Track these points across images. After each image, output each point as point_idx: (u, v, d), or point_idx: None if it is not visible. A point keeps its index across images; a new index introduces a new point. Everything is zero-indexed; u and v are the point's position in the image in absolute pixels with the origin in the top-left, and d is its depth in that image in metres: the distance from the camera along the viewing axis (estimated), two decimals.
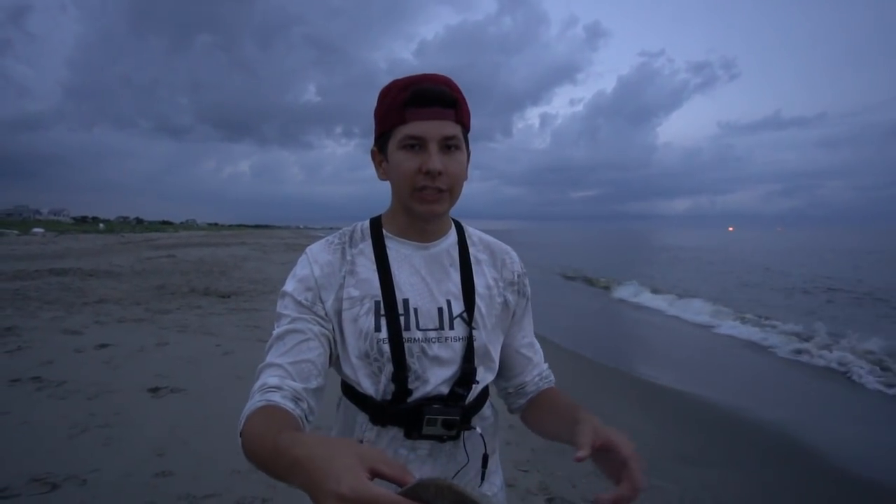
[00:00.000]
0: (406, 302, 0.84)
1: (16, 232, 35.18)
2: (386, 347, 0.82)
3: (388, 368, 0.82)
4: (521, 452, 3.15)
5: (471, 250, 0.92)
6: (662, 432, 3.89)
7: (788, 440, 3.92)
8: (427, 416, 0.81)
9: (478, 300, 0.88)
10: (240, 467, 2.70)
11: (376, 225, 0.91)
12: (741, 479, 3.19)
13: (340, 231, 0.92)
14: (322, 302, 0.84)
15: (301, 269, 0.86)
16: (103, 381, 3.98)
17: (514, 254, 0.98)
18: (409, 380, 0.82)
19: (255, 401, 0.72)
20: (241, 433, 0.68)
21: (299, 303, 0.83)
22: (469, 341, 0.85)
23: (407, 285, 0.85)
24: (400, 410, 0.82)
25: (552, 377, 0.99)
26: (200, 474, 2.64)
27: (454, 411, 0.82)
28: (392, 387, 0.82)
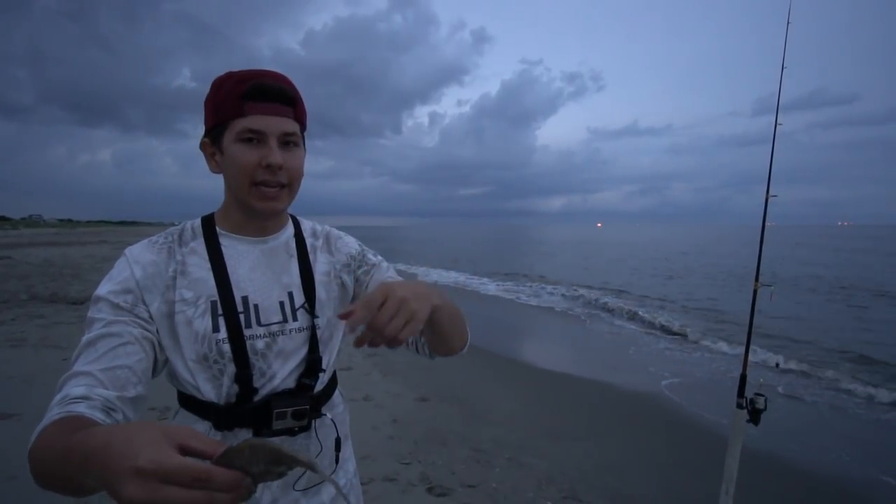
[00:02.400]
0: (245, 299, 0.82)
1: None
2: (226, 347, 0.78)
3: (231, 369, 0.78)
4: (403, 445, 3.18)
5: (307, 241, 0.92)
6: (532, 411, 4.18)
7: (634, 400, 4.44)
8: (276, 411, 0.79)
9: (318, 287, 0.88)
10: None
11: (209, 222, 0.86)
12: (602, 446, 3.54)
13: (167, 231, 0.86)
14: (145, 305, 0.77)
15: (119, 271, 0.78)
16: None
17: (348, 238, 0.99)
18: (254, 378, 0.79)
19: (52, 414, 0.62)
20: (29, 451, 0.58)
21: (116, 305, 0.75)
22: (313, 331, 0.85)
23: (246, 281, 0.83)
24: (246, 410, 0.79)
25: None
26: None
27: (303, 401, 0.81)
28: (236, 388, 0.78)
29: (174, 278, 0.80)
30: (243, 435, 0.80)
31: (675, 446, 3.62)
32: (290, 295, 0.85)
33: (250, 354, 0.79)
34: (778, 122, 1.97)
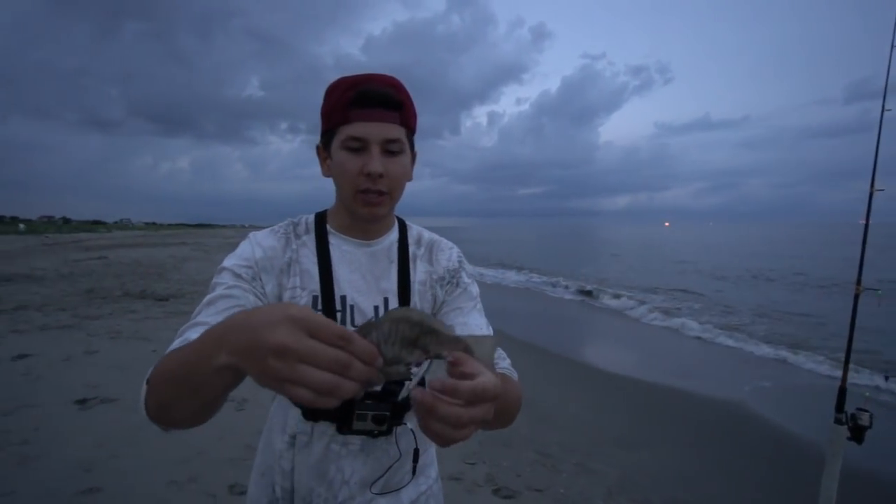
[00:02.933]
0: (344, 299, 0.84)
1: None
2: None
3: None
4: (468, 445, 3.18)
5: (410, 248, 0.93)
6: (601, 416, 4.05)
7: (714, 411, 4.19)
8: (357, 412, 0.80)
9: (413, 297, 0.88)
10: (177, 478, 2.58)
11: (321, 220, 0.90)
12: (675, 456, 3.37)
13: (286, 221, 0.91)
14: (261, 282, 0.82)
15: (243, 250, 0.84)
16: (21, 394, 3.68)
17: (453, 250, 0.96)
18: None
19: (171, 347, 0.66)
20: (148, 378, 0.62)
21: (238, 275, 0.80)
22: None
23: (346, 282, 0.85)
24: (323, 410, 0.81)
25: (507, 365, 0.87)
26: (133, 488, 2.50)
27: (384, 406, 0.81)
28: None
29: (288, 265, 0.84)
30: (326, 428, 0.83)
31: (760, 460, 3.38)
32: (386, 301, 0.86)
33: None
34: (886, 107, 1.78)
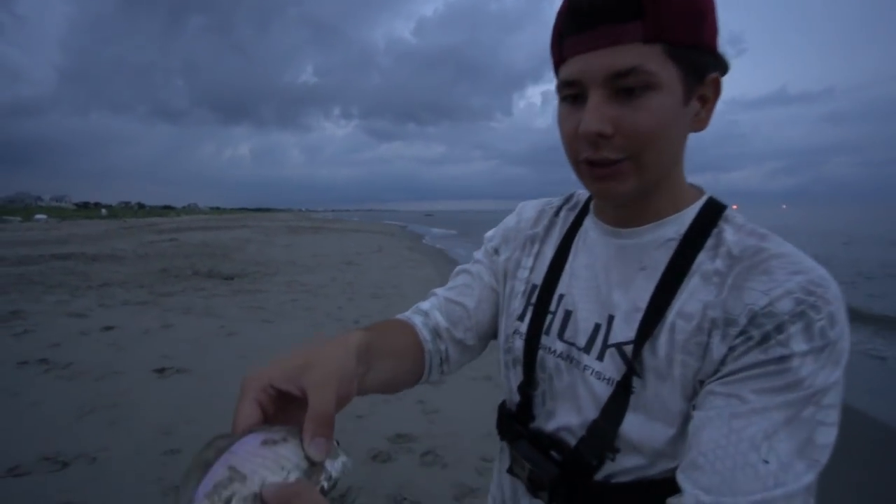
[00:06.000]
0: (561, 298, 0.64)
1: (18, 219, 35.24)
2: (519, 344, 0.66)
3: (517, 373, 0.67)
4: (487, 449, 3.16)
5: (699, 257, 0.54)
6: None
7: None
8: (513, 452, 0.63)
9: (664, 334, 0.52)
10: None
11: (591, 198, 0.69)
12: None
13: (566, 194, 0.75)
14: (499, 254, 0.75)
15: (507, 219, 0.78)
16: (109, 362, 4.00)
17: (793, 280, 0.48)
18: (535, 400, 0.64)
19: (401, 314, 0.72)
20: None
21: (486, 249, 0.77)
22: (621, 390, 0.54)
23: (572, 277, 0.64)
24: (511, 430, 0.66)
25: None
26: None
27: (548, 467, 0.58)
28: (517, 397, 0.66)
29: (531, 242, 0.72)
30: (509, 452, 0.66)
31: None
32: (611, 320, 0.57)
33: (537, 369, 0.64)
34: None
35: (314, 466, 0.39)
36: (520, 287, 0.70)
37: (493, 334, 0.75)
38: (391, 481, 2.46)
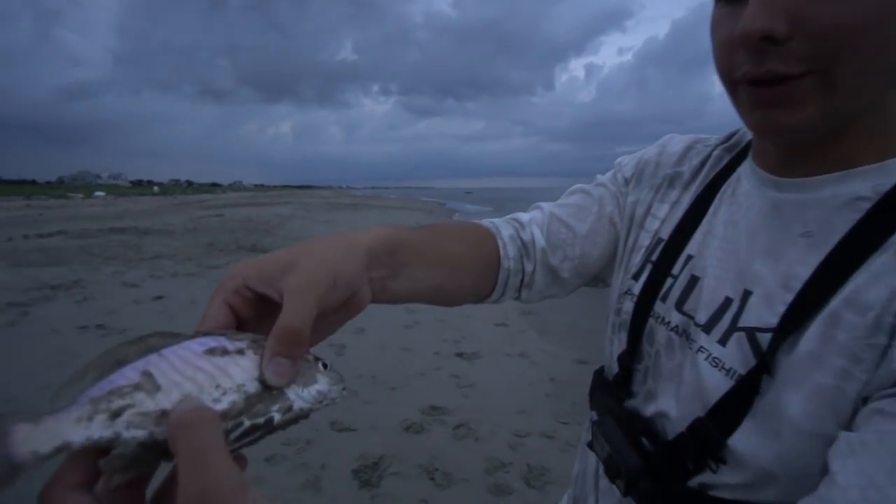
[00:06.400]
0: (689, 261, 0.51)
1: (80, 195, 37.38)
2: (629, 307, 0.55)
3: (620, 339, 0.56)
4: (561, 405, 3.12)
5: None
6: None
7: None
8: (595, 427, 0.52)
9: (817, 325, 0.38)
10: None
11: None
12: None
13: (739, 130, 0.58)
14: (626, 191, 0.62)
15: (647, 149, 0.64)
16: (159, 329, 4.20)
17: None
18: (636, 376, 0.53)
19: (491, 219, 0.63)
20: None
21: (614, 175, 0.64)
22: (746, 385, 0.41)
23: (708, 237, 0.51)
24: (601, 402, 0.57)
25: None
26: None
27: (630, 456, 0.47)
28: (615, 368, 0.56)
29: (669, 183, 0.58)
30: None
31: None
32: (746, 297, 0.44)
33: (644, 340, 0.52)
34: None
35: (268, 392, 0.31)
36: (644, 240, 0.57)
37: (595, 277, 0.64)
38: (423, 452, 2.49)
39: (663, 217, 0.57)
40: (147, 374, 0.29)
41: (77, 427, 0.27)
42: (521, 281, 0.60)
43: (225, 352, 0.32)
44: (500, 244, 0.58)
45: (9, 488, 0.26)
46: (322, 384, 0.34)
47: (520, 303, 0.65)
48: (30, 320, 4.37)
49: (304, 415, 0.33)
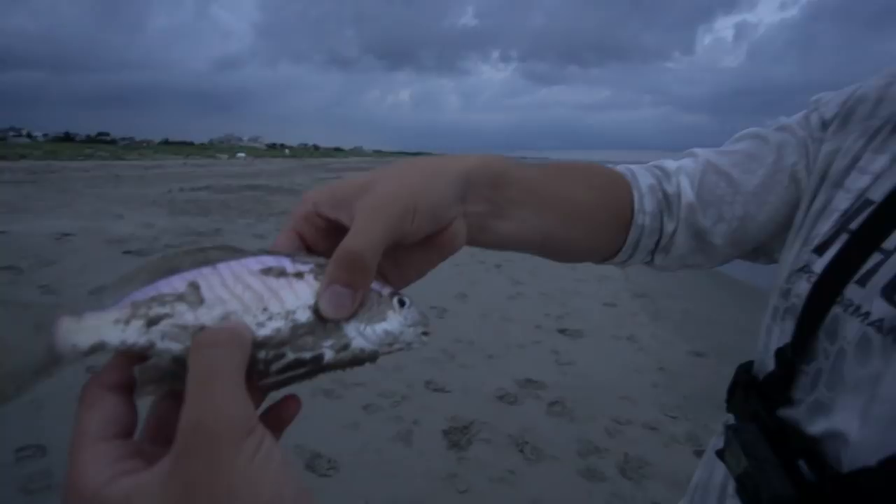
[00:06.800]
0: None
1: (225, 156, 42.22)
2: (803, 288, 0.41)
3: (784, 329, 0.43)
4: (669, 397, 2.86)
5: None
6: None
7: None
8: (730, 434, 0.41)
9: None
10: (385, 365, 2.90)
11: None
12: None
13: None
14: (820, 136, 0.47)
15: (863, 81, 0.48)
16: None
17: None
18: (801, 379, 0.40)
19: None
20: None
21: (807, 117, 0.49)
22: None
23: None
24: (744, 404, 0.45)
25: None
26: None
27: (777, 481, 0.36)
28: (772, 364, 0.43)
29: (892, 131, 0.42)
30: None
31: None
32: None
33: (821, 334, 0.39)
34: None
35: (322, 324, 0.28)
36: (842, 202, 0.42)
37: (756, 249, 0.50)
38: (515, 423, 2.43)
39: (878, 172, 0.41)
40: (193, 286, 0.27)
41: (114, 328, 0.26)
42: (657, 243, 0.49)
43: (282, 273, 0.29)
44: (636, 195, 0.47)
45: (47, 378, 0.26)
46: (392, 324, 0.29)
47: (651, 268, 0.52)
48: None
49: (366, 356, 0.29)
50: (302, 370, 0.27)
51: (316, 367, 0.27)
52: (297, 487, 0.24)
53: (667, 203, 0.48)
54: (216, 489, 0.21)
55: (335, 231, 0.32)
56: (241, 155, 45.95)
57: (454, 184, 0.34)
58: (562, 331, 3.69)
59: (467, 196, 0.35)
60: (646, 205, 0.47)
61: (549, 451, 2.26)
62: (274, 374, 0.27)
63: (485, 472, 2.09)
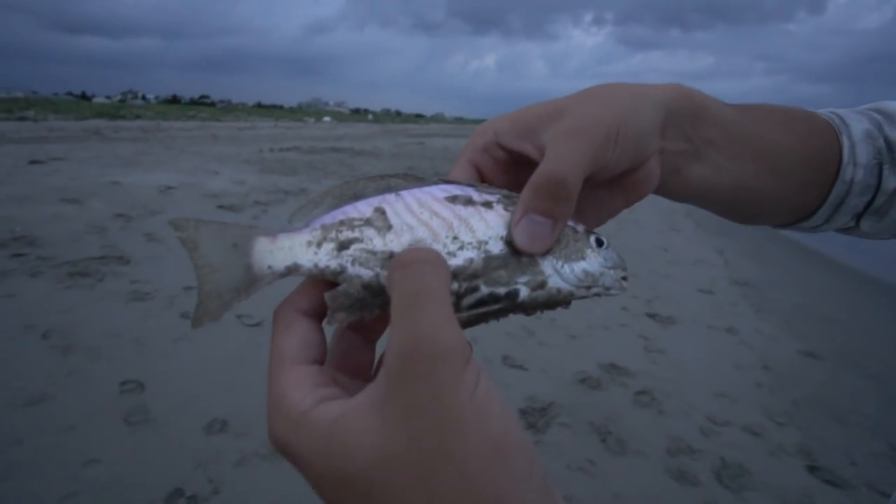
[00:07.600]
0: None
1: (312, 119, 43.89)
2: None
3: None
4: (776, 400, 2.56)
5: None
6: None
7: None
8: None
9: None
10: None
11: None
12: None
13: None
14: None
15: None
16: None
17: None
18: None
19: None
20: None
21: None
22: None
23: None
24: None
25: None
26: None
27: None
28: None
29: None
30: None
31: None
32: None
33: None
34: None
35: (516, 258, 0.25)
36: None
37: None
38: (598, 410, 2.28)
39: None
40: (380, 211, 0.27)
41: (307, 250, 0.26)
42: (870, 202, 0.40)
43: (469, 202, 0.27)
44: (845, 143, 0.39)
45: (245, 299, 0.26)
46: (592, 263, 0.27)
47: (850, 236, 0.43)
48: (268, 217, 5.23)
49: (562, 298, 0.26)
50: (495, 306, 0.25)
51: (509, 304, 0.25)
52: (521, 431, 0.22)
53: (889, 153, 0.40)
54: (443, 419, 0.19)
55: (516, 166, 0.30)
56: (327, 119, 47.53)
57: (656, 112, 0.29)
58: (651, 315, 3.41)
59: (667, 130, 0.31)
60: (859, 155, 0.39)
61: (634, 444, 2.09)
62: (465, 308, 0.25)
63: (563, 459, 1.97)
